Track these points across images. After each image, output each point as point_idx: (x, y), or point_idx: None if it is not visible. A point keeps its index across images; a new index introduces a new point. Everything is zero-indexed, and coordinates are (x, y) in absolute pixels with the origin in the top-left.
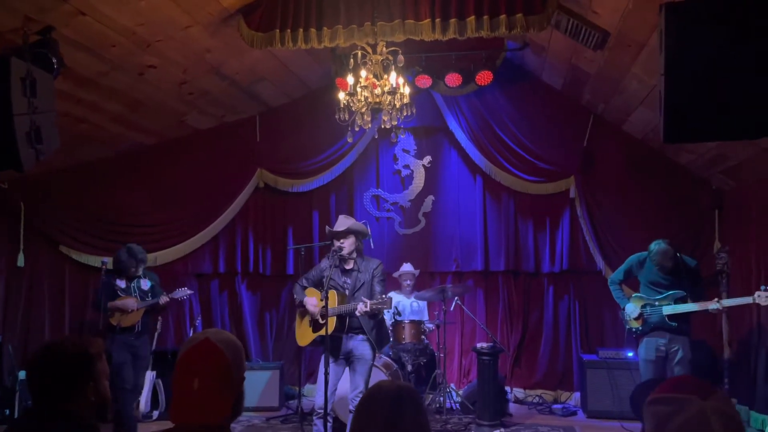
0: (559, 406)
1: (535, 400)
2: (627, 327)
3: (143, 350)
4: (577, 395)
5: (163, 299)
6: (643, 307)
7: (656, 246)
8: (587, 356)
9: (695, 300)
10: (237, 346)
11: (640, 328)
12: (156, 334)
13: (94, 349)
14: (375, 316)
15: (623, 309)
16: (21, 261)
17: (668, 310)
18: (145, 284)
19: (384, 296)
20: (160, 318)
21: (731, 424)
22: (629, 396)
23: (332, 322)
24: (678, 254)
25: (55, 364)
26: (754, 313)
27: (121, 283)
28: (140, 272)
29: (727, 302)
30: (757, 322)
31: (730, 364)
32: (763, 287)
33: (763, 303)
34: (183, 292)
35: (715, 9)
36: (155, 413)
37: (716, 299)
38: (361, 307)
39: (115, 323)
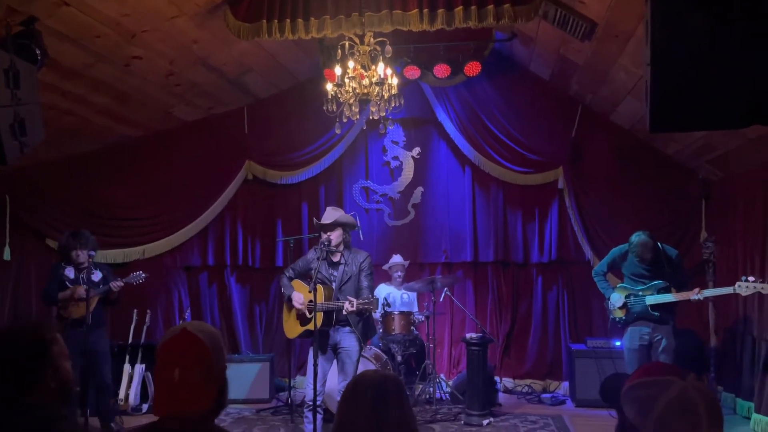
0: (548, 395)
1: (524, 390)
2: (611, 317)
3: (100, 345)
4: (565, 384)
5: (116, 284)
6: (627, 297)
7: (636, 238)
8: (576, 346)
9: (678, 289)
10: (215, 335)
11: (624, 317)
12: (145, 327)
13: (48, 334)
14: (361, 314)
15: (608, 299)
16: (7, 254)
17: (651, 300)
18: (96, 275)
19: (371, 296)
20: (149, 311)
21: (711, 402)
22: (599, 387)
23: (319, 317)
24: (659, 245)
25: (9, 356)
26: (740, 302)
27: (70, 273)
28: (85, 260)
29: (708, 293)
30: (743, 312)
31: (717, 352)
32: (743, 278)
33: (743, 293)
34: (137, 277)
35: None
36: (144, 406)
37: (697, 289)
38: (347, 306)
39: (66, 315)
